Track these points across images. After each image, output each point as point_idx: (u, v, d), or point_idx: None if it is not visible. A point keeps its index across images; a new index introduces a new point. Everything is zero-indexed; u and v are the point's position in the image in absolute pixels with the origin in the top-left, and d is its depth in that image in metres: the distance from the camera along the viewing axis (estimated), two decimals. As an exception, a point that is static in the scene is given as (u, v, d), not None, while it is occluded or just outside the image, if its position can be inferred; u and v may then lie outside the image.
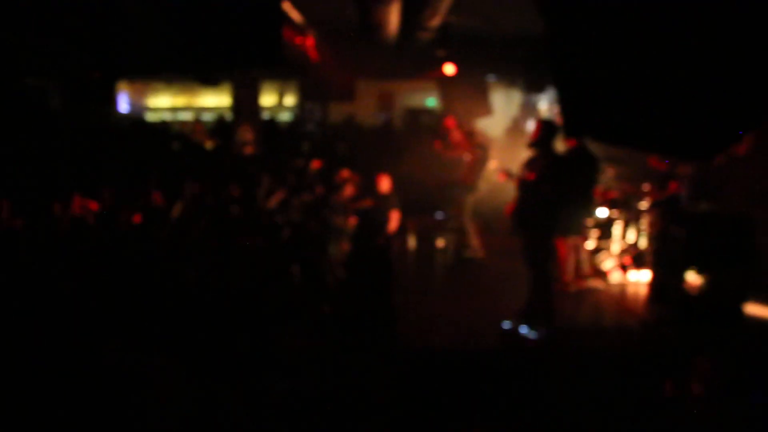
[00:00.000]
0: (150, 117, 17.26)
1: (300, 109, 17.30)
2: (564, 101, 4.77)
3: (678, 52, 4.02)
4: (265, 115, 15.81)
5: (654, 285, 7.12)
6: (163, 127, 16.03)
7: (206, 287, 4.91)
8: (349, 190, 9.46)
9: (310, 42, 9.28)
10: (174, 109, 18.16)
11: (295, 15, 8.00)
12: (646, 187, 8.37)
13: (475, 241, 8.97)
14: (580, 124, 4.71)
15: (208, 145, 12.55)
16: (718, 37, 3.99)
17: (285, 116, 17.80)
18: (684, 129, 4.13)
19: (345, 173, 9.68)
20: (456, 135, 9.41)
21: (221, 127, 14.63)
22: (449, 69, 11.53)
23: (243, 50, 5.39)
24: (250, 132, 10.34)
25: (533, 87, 14.32)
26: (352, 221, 9.13)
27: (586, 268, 8.01)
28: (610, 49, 4.17)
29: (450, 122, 10.18)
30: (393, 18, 7.74)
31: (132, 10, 5.91)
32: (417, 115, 17.94)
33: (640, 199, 8.33)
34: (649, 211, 8.18)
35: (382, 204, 9.98)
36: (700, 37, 4.00)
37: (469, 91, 13.42)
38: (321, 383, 5.19)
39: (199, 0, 5.60)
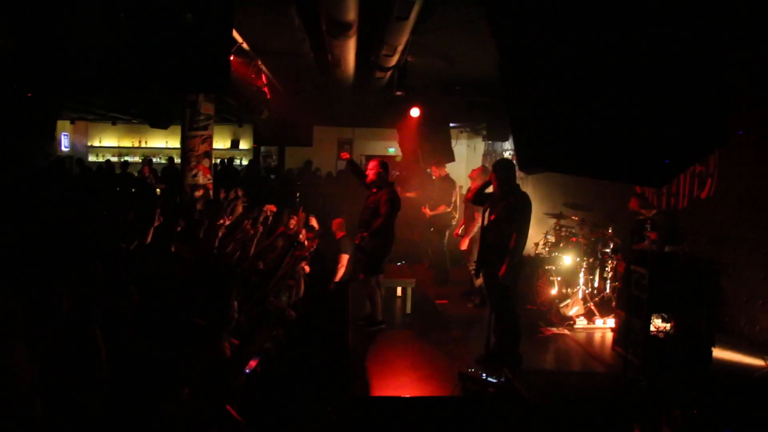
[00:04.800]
0: (93, 157, 16.81)
1: (255, 153, 17.05)
2: (518, 135, 4.68)
3: (625, 86, 4.04)
4: (218, 159, 15.55)
5: (620, 329, 6.89)
6: (108, 167, 15.53)
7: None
8: (302, 235, 9.13)
9: (264, 79, 9.06)
10: (120, 151, 17.73)
11: (247, 49, 7.76)
12: (609, 231, 8.25)
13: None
14: (533, 156, 4.66)
15: (157, 188, 12.14)
16: (661, 74, 4.01)
17: (240, 160, 17.55)
18: (631, 156, 4.15)
19: (294, 219, 9.42)
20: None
21: (171, 171, 14.22)
22: (414, 111, 11.41)
23: (189, 77, 5.09)
24: (204, 174, 9.94)
25: (496, 135, 14.25)
26: (305, 266, 8.77)
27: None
28: (561, 82, 4.16)
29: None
30: (349, 55, 7.55)
31: (74, 42, 5.58)
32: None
33: (605, 244, 8.17)
34: (613, 255, 8.01)
35: (334, 248, 9.78)
36: (646, 72, 4.01)
37: (431, 138, 13.31)
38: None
39: (143, 30, 5.33)
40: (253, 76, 8.66)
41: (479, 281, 8.52)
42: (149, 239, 6.00)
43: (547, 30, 4.25)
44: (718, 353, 6.45)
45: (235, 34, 6.85)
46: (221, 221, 7.01)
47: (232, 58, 6.93)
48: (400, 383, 5.86)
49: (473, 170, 9.31)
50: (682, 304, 6.32)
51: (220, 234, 6.70)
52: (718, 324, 6.58)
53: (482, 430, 5.26)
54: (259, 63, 8.68)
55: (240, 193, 8.67)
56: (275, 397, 5.17)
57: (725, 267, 7.07)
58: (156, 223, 6.01)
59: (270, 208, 9.41)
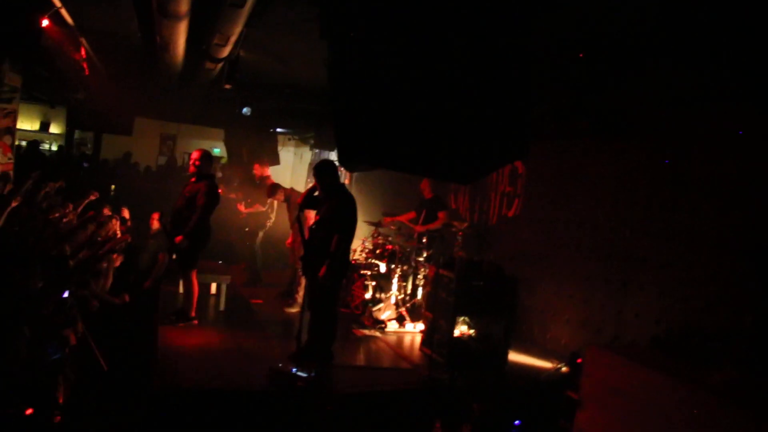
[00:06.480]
0: None
1: (68, 138, 15.79)
2: (339, 129, 4.83)
3: (444, 90, 4.35)
4: (24, 142, 14.21)
5: (427, 331, 7.22)
6: None
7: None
8: (114, 225, 8.59)
9: (83, 53, 8.42)
10: None
11: (66, 16, 7.15)
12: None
13: None
14: (353, 151, 4.82)
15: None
16: (477, 86, 4.40)
17: (49, 145, 16.19)
18: (444, 155, 4.48)
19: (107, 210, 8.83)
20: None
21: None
22: (246, 110, 11.26)
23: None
24: (3, 153, 9.05)
25: (324, 144, 14.40)
26: (118, 258, 8.26)
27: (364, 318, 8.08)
28: (384, 80, 4.37)
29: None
30: (180, 39, 7.27)
31: None
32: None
33: (419, 253, 8.54)
34: (426, 263, 8.38)
35: (153, 243, 9.37)
36: (464, 80, 4.36)
37: (257, 139, 13.23)
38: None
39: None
40: (71, 47, 8.02)
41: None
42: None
43: (375, 31, 4.43)
44: (514, 356, 6.99)
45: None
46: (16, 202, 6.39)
47: (46, 22, 6.39)
48: (208, 377, 5.68)
49: None
50: (485, 311, 6.77)
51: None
52: (515, 331, 7.11)
53: (291, 423, 5.25)
54: (80, 37, 8.08)
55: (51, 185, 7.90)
56: (75, 388, 4.83)
57: (525, 280, 7.67)
58: None
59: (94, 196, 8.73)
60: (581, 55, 6.45)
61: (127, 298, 7.43)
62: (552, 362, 7.08)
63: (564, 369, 6.62)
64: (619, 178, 7.08)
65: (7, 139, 9.22)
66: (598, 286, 7.22)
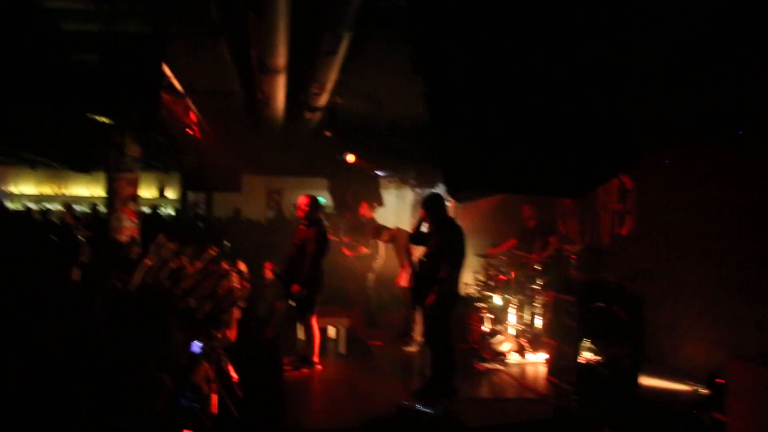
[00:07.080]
0: (11, 205, 16.05)
1: (183, 201, 16.72)
2: (444, 162, 4.83)
3: (540, 106, 4.27)
4: (145, 208, 15.16)
5: (552, 359, 7.00)
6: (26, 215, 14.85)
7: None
8: (234, 279, 8.92)
9: (193, 118, 8.94)
10: (39, 198, 16.96)
11: (177, 87, 7.67)
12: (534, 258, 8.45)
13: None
14: (461, 181, 4.80)
15: (81, 235, 11.67)
16: (576, 97, 4.29)
17: (167, 210, 17.20)
18: (550, 174, 4.38)
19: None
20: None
21: (95, 218, 13.76)
22: (350, 157, 11.54)
23: (117, 99, 5.03)
24: (129, 218, 9.64)
25: (424, 182, 14.51)
26: (238, 310, 8.53)
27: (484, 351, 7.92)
28: (481, 108, 4.35)
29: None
30: (279, 93, 7.60)
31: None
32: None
33: (533, 280, 8.35)
34: (542, 291, 8.17)
35: (269, 293, 9.62)
36: (559, 93, 4.27)
37: (360, 184, 13.51)
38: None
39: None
40: (181, 112, 8.55)
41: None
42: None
43: (469, 56, 4.43)
44: (645, 380, 6.62)
45: (164, 68, 6.80)
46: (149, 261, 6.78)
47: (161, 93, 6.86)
48: (336, 418, 5.75)
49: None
50: (610, 333, 6.46)
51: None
52: (643, 353, 6.76)
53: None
54: (188, 101, 8.60)
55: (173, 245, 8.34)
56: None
57: (648, 299, 7.30)
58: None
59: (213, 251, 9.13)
60: (680, 58, 6.20)
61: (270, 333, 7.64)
62: (688, 384, 6.68)
63: (703, 390, 6.22)
64: (740, 179, 6.68)
65: (132, 206, 9.79)
66: (731, 298, 6.77)
